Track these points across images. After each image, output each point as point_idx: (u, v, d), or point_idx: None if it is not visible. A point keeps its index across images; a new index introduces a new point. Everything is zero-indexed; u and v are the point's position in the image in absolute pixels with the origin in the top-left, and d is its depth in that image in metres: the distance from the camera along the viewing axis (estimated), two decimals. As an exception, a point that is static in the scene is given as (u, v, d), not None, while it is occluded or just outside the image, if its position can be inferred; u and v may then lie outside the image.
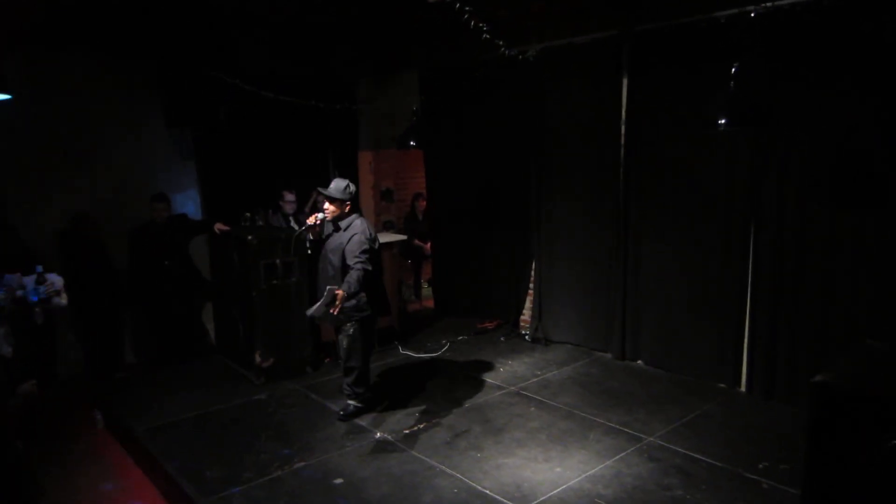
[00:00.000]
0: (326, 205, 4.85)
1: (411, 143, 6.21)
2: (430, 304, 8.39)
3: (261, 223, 6.63)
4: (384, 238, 6.82)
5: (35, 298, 3.65)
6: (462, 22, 4.84)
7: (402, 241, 7.30)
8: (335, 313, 4.43)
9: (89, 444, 5.03)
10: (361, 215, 4.97)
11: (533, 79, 6.43)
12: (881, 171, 4.45)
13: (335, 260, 4.79)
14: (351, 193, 4.84)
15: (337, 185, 4.81)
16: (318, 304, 4.44)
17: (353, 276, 4.59)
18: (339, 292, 4.41)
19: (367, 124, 8.07)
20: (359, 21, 6.14)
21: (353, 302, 4.73)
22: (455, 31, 5.51)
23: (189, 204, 6.90)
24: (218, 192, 6.98)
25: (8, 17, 4.95)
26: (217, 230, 6.16)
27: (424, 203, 8.36)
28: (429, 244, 8.29)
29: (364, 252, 4.66)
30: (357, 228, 4.78)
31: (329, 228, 4.94)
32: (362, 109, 7.67)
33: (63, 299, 3.71)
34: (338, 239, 4.83)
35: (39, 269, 3.93)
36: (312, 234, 4.99)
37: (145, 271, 6.25)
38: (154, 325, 6.45)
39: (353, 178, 8.03)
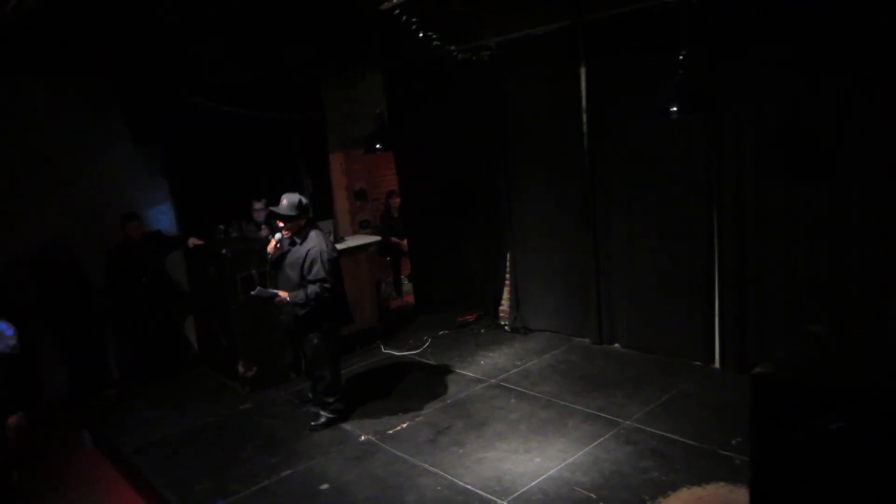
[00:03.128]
0: (281, 223, 4.83)
1: (377, 146, 6.23)
2: (412, 298, 8.46)
3: (235, 234, 6.66)
4: (358, 241, 6.88)
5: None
6: (414, 28, 4.86)
7: (377, 241, 7.33)
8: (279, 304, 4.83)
9: (79, 465, 5.09)
10: (317, 227, 4.95)
11: (494, 72, 6.48)
12: (828, 143, 4.58)
13: (293, 275, 4.78)
14: (304, 207, 4.81)
15: (290, 202, 4.76)
16: (259, 290, 4.81)
17: (310, 289, 4.65)
18: (283, 294, 4.69)
19: (334, 128, 8.07)
20: (317, 22, 6.12)
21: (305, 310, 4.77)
22: (414, 32, 5.54)
23: (163, 219, 6.89)
24: (191, 206, 6.96)
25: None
26: (191, 245, 6.18)
27: (399, 200, 8.40)
28: (405, 240, 8.35)
29: (328, 272, 4.67)
30: (313, 242, 4.76)
31: (287, 243, 4.90)
32: (328, 115, 7.66)
33: (12, 342, 3.83)
34: (295, 253, 4.81)
35: None
36: (274, 255, 4.95)
37: (123, 291, 6.26)
38: (136, 343, 6.46)
39: (326, 182, 8.10)
